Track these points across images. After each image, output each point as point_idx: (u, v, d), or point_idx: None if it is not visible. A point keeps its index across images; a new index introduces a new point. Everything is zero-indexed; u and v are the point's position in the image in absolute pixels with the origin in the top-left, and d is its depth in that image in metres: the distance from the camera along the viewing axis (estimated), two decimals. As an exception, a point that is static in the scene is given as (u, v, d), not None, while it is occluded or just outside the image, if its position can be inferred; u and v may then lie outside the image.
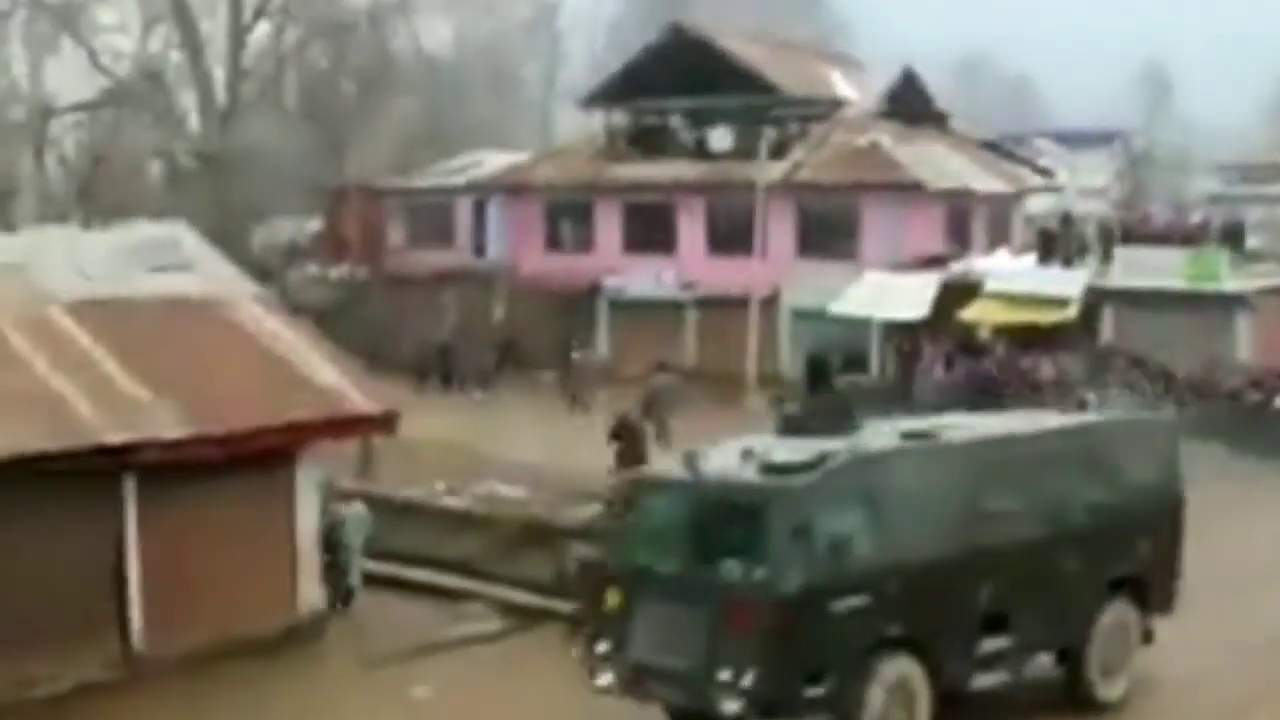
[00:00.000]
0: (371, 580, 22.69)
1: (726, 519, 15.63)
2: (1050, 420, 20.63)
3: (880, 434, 17.17)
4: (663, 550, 16.12)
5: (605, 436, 29.66)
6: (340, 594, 21.91)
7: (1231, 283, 38.23)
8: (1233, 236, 41.32)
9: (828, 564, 15.38)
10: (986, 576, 16.66)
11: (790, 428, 17.58)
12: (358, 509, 22.69)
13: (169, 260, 22.05)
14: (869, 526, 15.78)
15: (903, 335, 41.00)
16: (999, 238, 45.94)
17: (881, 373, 41.47)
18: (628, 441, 29.31)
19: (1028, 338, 38.23)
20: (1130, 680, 18.18)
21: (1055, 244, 42.28)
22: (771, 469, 15.68)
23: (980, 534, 16.62)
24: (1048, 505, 17.38)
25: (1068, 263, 40.74)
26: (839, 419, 17.27)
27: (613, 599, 16.31)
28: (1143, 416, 22.00)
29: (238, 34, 55.36)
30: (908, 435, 17.07)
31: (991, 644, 16.80)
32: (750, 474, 15.84)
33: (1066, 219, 44.36)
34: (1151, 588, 18.48)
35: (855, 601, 15.49)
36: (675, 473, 16.78)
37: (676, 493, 16.47)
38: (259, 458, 19.61)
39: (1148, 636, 18.44)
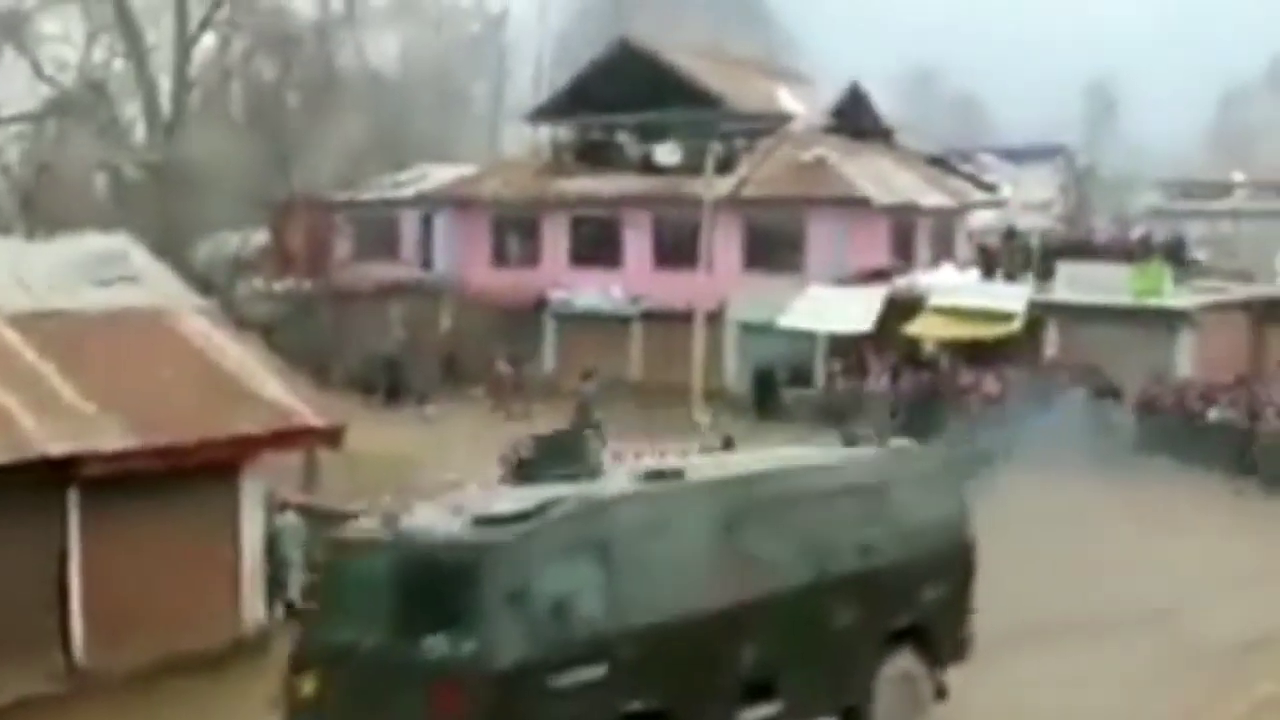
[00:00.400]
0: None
1: (431, 583, 13.31)
2: (817, 455, 17.88)
3: (619, 476, 15.07)
4: (362, 624, 13.71)
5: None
6: (280, 607, 21.78)
7: (1174, 298, 38.58)
8: (1175, 252, 41.72)
9: (551, 631, 13.17)
10: (746, 635, 14.60)
11: (521, 473, 15.67)
12: (291, 520, 22.55)
13: (114, 273, 21.95)
14: (601, 584, 13.58)
15: (849, 349, 41.12)
16: (943, 252, 46.18)
17: (828, 386, 41.57)
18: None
19: (973, 352, 38.44)
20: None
21: (996, 259, 42.60)
22: (482, 521, 13.52)
23: (736, 587, 14.56)
24: (815, 550, 15.47)
25: (1010, 277, 41.02)
26: (573, 459, 15.15)
27: (306, 685, 13.89)
28: (925, 451, 19.26)
29: (183, 45, 55.02)
30: (649, 476, 14.91)
31: (755, 713, 14.75)
32: (458, 529, 13.65)
33: (1010, 234, 44.71)
34: (939, 637, 16.74)
35: (586, 674, 13.30)
36: (372, 532, 14.32)
37: (374, 555, 14.02)
38: (204, 470, 19.54)
39: (941, 692, 16.78)
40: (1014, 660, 18.70)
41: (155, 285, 22.41)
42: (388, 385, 43.73)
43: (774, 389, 41.77)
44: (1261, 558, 25.26)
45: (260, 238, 48.75)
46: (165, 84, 55.33)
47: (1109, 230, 52.46)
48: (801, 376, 42.31)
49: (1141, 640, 20.46)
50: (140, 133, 56.17)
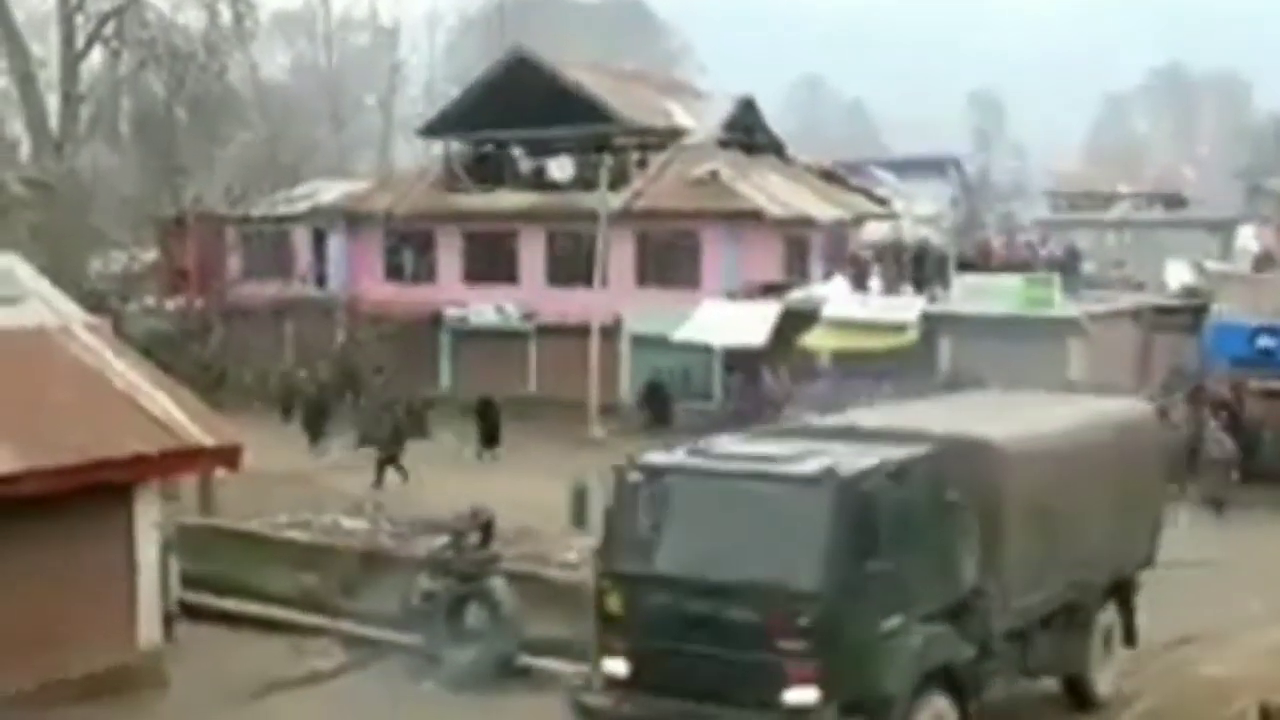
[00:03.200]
0: (214, 616, 22.41)
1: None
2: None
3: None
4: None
5: None
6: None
7: (1064, 308, 39.08)
8: (1067, 263, 42.30)
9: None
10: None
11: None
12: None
13: (1, 292, 21.62)
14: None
15: (744, 362, 41.24)
16: (836, 265, 46.49)
17: (725, 399, 41.71)
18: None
19: (866, 363, 38.63)
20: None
21: (868, 270, 42.92)
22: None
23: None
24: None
25: (891, 289, 41.38)
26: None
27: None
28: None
29: (70, 60, 54.44)
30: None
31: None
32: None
33: (897, 246, 45.18)
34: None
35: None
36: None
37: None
38: (96, 491, 19.25)
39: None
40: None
41: (43, 304, 22.08)
42: (311, 427, 39.70)
43: (666, 401, 41.83)
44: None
45: (151, 255, 48.26)
46: (52, 100, 54.70)
47: (999, 241, 52.98)
48: (698, 390, 42.42)
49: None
50: (26, 149, 55.47)
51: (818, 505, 13.77)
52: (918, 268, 41.99)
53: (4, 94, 56.27)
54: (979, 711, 15.29)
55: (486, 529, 21.84)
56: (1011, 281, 40.11)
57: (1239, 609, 22.66)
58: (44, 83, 55.12)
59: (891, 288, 41.54)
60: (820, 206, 47.74)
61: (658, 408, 41.77)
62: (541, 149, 49.11)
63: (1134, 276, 49.36)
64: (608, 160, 45.18)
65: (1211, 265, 48.34)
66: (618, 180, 45.38)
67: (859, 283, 42.40)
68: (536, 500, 26.42)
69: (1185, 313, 40.84)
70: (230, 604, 23.08)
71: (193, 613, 22.36)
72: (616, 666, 14.70)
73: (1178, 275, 46.30)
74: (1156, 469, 19.49)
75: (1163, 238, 61.97)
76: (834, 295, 41.87)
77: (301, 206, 50.96)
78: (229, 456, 21.12)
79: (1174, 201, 75.63)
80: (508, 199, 48.11)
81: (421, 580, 21.06)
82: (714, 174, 45.54)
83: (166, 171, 45.33)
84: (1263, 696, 15.74)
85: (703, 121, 50.77)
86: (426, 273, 49.22)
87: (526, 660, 20.40)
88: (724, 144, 49.21)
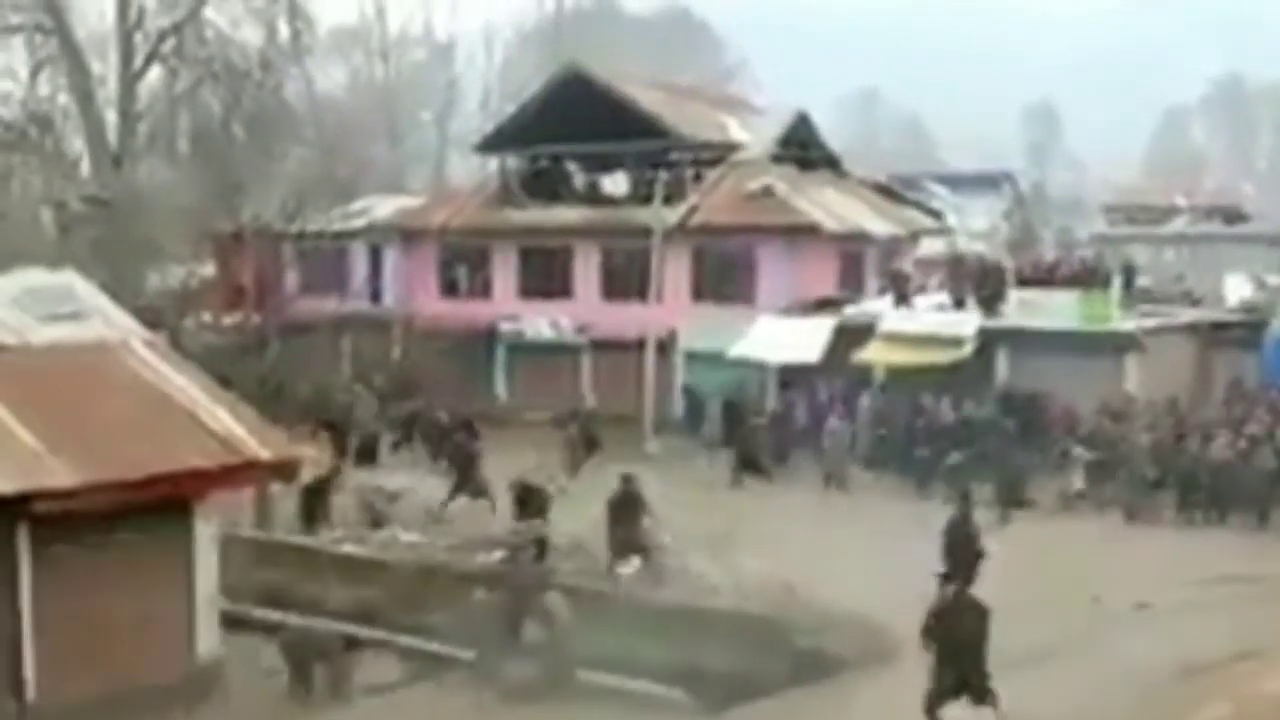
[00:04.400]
0: (271, 629, 22.52)
1: None
2: None
3: None
4: None
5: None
6: None
7: (1122, 322, 38.85)
8: (1123, 277, 42.02)
9: None
10: None
11: None
12: None
13: (62, 308, 21.85)
14: None
15: (798, 379, 41.06)
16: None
17: (779, 416, 41.53)
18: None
19: (923, 379, 38.48)
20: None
21: (906, 284, 42.73)
22: None
23: None
24: None
25: (959, 304, 41.14)
26: None
27: None
28: None
29: (129, 77, 54.94)
30: None
31: None
32: None
33: (955, 260, 44.97)
34: None
35: None
36: None
37: None
38: (156, 505, 19.41)
39: None
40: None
41: (103, 319, 22.29)
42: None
43: (740, 419, 41.13)
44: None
45: (207, 270, 48.56)
46: (111, 117, 55.18)
47: (1054, 256, 52.70)
48: (755, 408, 42.25)
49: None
50: (86, 166, 55.97)
51: None
52: (981, 283, 41.68)
53: (64, 111, 56.74)
54: None
55: (542, 544, 21.91)
56: (1069, 297, 39.85)
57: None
58: (103, 100, 55.64)
59: (956, 303, 41.25)
60: (875, 221, 47.59)
61: (730, 425, 41.03)
62: (597, 164, 49.17)
63: (1193, 291, 49.02)
64: (663, 175, 45.18)
65: (1271, 280, 47.98)
66: (673, 195, 45.35)
67: (901, 299, 42.26)
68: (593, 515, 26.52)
69: (1244, 328, 40.51)
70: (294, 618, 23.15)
71: (254, 627, 22.51)
72: None
73: (1237, 290, 45.94)
74: None
75: (1221, 252, 61.50)
76: (889, 310, 41.72)
77: (358, 222, 51.16)
78: (286, 469, 21.26)
79: (1233, 215, 75.01)
80: (563, 214, 48.16)
81: (478, 594, 21.12)
82: (769, 189, 45.45)
83: (223, 187, 45.57)
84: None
85: (758, 136, 50.69)
86: (481, 288, 49.31)
87: (583, 674, 20.44)
88: (778, 159, 49.09)
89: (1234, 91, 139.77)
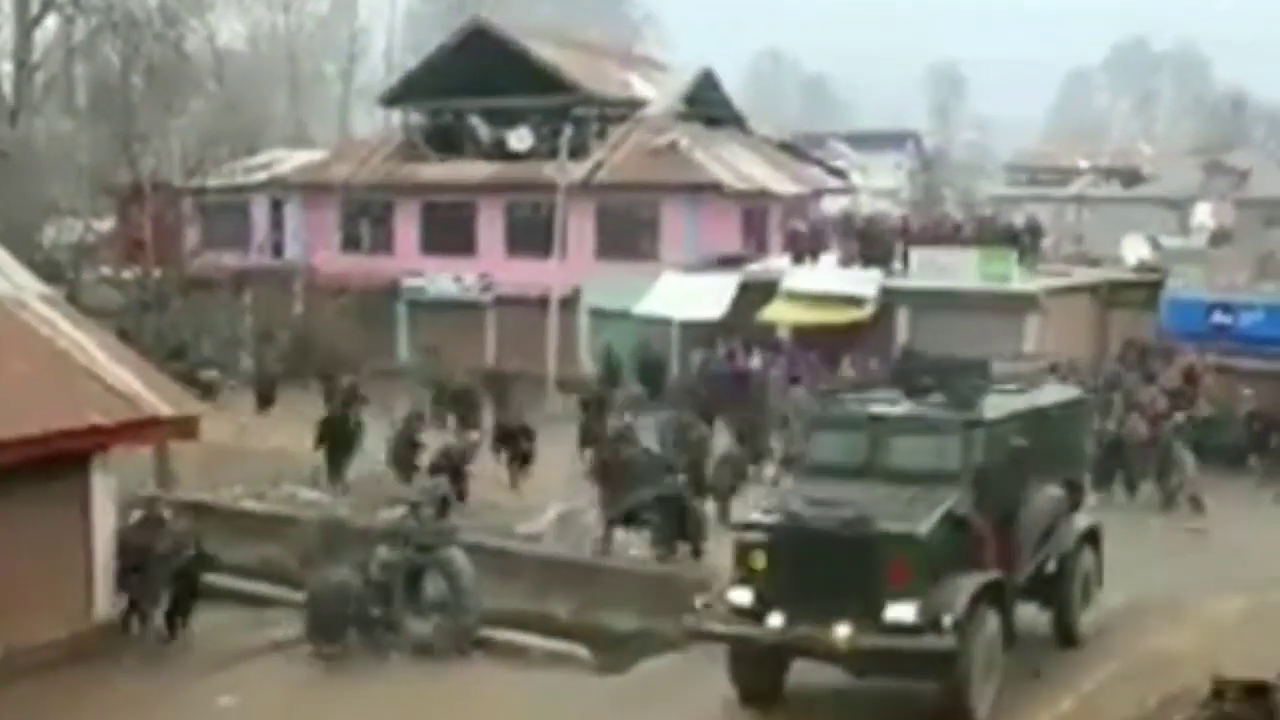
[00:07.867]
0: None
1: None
2: None
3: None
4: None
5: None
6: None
7: (1022, 282, 39.20)
8: (1026, 237, 42.41)
9: None
10: None
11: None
12: None
13: (-45, 262, 21.49)
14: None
15: (704, 336, 41.10)
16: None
17: (683, 373, 41.58)
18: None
19: (825, 337, 38.68)
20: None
21: (803, 244, 42.93)
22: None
23: None
24: None
25: (867, 263, 41.31)
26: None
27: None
28: None
29: (25, 26, 54.03)
30: None
31: None
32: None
33: (848, 219, 45.27)
34: None
35: None
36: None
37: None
38: (52, 462, 19.17)
39: None
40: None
41: (-1, 273, 21.95)
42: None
43: (660, 375, 41.01)
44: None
45: (106, 225, 47.92)
46: (6, 67, 54.30)
47: (957, 215, 53.13)
48: (656, 364, 42.22)
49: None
50: (-20, 117, 55.00)
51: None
52: (871, 243, 41.86)
53: (-42, 62, 55.81)
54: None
55: (444, 501, 21.86)
56: (968, 256, 40.16)
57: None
58: (-3, 51, 54.75)
59: (866, 261, 41.42)
60: (779, 179, 47.76)
61: (651, 381, 40.86)
62: (501, 119, 48.92)
63: (1091, 251, 49.56)
64: (568, 131, 45.06)
65: (1168, 241, 48.62)
66: (577, 151, 45.25)
67: (798, 259, 42.43)
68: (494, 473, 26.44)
69: (1142, 288, 41.02)
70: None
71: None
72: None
73: (1135, 250, 46.49)
74: None
75: (1120, 213, 62.28)
76: (791, 268, 41.89)
77: (259, 176, 50.64)
78: (186, 426, 21.07)
79: (1132, 177, 75.97)
80: (467, 169, 47.95)
81: (380, 551, 21.03)
82: (674, 145, 45.49)
83: (123, 140, 44.89)
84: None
85: (663, 93, 50.69)
86: (384, 243, 49.03)
87: (485, 631, 20.45)
88: (684, 116, 49.13)
89: (1136, 55, 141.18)
